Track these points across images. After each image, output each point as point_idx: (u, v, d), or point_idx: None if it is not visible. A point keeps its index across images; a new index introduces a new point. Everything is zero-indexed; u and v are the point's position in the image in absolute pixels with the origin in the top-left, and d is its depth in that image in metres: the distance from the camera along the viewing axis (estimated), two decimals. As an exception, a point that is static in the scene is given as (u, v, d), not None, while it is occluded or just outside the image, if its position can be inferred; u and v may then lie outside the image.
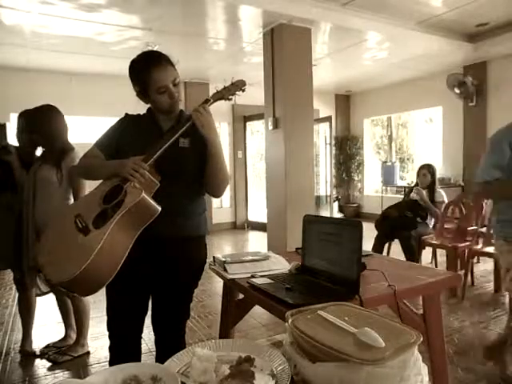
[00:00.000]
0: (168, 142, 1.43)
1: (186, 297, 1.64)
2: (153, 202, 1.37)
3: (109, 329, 1.62)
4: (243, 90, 1.57)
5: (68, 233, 1.39)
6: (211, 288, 4.01)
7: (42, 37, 4.72)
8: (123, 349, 1.62)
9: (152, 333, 1.65)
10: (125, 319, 1.60)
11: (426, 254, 4.30)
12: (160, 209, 1.38)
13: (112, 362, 1.62)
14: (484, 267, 4.41)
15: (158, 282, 1.58)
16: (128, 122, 1.62)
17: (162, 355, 1.37)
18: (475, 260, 4.36)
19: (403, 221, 3.94)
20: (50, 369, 2.45)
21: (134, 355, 1.62)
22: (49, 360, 2.53)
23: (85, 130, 5.80)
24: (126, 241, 1.32)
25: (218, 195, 1.65)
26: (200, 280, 1.66)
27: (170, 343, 1.59)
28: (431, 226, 4.13)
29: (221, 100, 1.58)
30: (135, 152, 1.44)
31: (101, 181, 1.51)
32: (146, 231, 1.39)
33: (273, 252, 1.84)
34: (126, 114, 1.65)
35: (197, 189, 1.60)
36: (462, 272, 3.55)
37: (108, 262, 1.29)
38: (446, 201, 4.10)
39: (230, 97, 1.57)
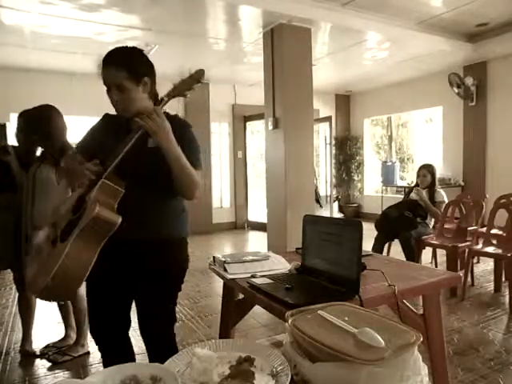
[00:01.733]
0: (122, 152, 1.37)
1: (166, 300, 1.59)
2: (109, 216, 1.32)
3: (91, 332, 1.63)
4: (201, 82, 1.45)
5: (46, 242, 1.45)
6: (211, 288, 4.01)
7: (42, 37, 4.71)
8: (110, 351, 1.62)
9: None
10: (105, 324, 1.59)
11: (426, 254, 4.30)
12: (119, 220, 1.33)
13: (105, 364, 1.63)
14: (484, 267, 4.41)
15: (136, 286, 1.55)
16: (104, 122, 1.61)
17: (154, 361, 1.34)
18: (475, 260, 4.36)
19: (403, 221, 3.93)
20: (50, 369, 2.45)
21: (124, 356, 1.58)
22: (49, 360, 2.53)
23: (84, 130, 5.81)
24: (88, 254, 1.32)
25: (187, 198, 1.56)
26: (182, 283, 1.62)
27: (160, 350, 1.55)
28: (431, 226, 4.13)
29: (178, 97, 1.46)
30: (103, 154, 1.41)
31: None
32: (120, 235, 1.36)
33: (273, 252, 1.84)
34: (105, 115, 1.62)
35: (169, 189, 1.50)
36: (461, 272, 3.55)
37: (72, 275, 1.31)
38: (446, 201, 4.10)
39: (187, 92, 1.45)
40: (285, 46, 4.38)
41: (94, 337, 1.63)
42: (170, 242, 1.56)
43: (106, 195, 1.35)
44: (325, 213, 7.60)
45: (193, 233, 7.71)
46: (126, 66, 1.42)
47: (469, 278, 3.72)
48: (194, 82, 1.44)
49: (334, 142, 8.41)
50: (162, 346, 1.57)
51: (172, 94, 1.44)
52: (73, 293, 1.36)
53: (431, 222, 4.12)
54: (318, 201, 7.49)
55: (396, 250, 4.17)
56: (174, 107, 7.96)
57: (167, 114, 1.52)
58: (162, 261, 1.53)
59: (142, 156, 1.43)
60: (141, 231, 1.48)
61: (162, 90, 1.51)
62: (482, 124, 6.43)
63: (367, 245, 2.97)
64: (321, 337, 0.78)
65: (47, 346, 2.66)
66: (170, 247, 1.56)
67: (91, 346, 2.67)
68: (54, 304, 2.72)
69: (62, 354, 2.55)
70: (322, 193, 8.04)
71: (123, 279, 1.55)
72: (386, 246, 4.18)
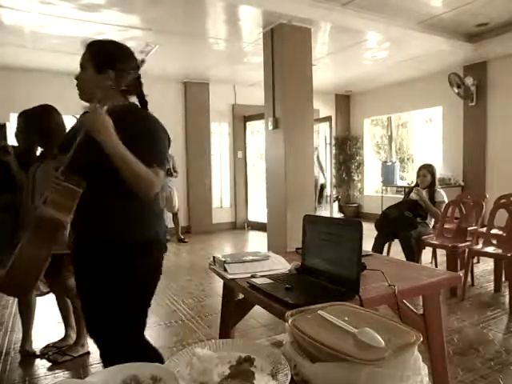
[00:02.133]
0: (72, 150, 1.35)
1: (116, 309, 1.46)
2: (53, 214, 1.31)
3: (87, 331, 1.63)
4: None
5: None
6: (211, 288, 4.01)
7: (42, 37, 4.72)
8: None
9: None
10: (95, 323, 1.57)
11: (426, 254, 4.30)
12: (67, 219, 1.31)
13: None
14: (484, 267, 4.41)
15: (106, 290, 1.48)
16: (78, 121, 1.61)
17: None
18: (475, 260, 4.36)
19: (403, 221, 3.93)
20: (50, 369, 2.45)
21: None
22: (49, 360, 2.53)
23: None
24: (38, 253, 1.34)
25: (142, 197, 1.42)
26: (142, 293, 1.52)
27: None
28: (431, 226, 4.13)
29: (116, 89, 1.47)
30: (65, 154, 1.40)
31: None
32: (78, 237, 1.40)
33: (273, 252, 1.84)
34: (84, 112, 1.58)
35: (127, 188, 1.38)
36: (461, 272, 3.55)
37: (23, 274, 1.35)
38: (446, 201, 4.10)
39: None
40: (285, 46, 4.38)
41: (90, 335, 1.63)
42: (127, 246, 1.44)
43: (61, 195, 1.33)
44: (325, 213, 7.61)
45: (193, 233, 7.70)
46: (97, 53, 1.49)
47: (469, 278, 3.71)
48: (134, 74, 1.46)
49: (334, 142, 8.42)
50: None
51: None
52: (26, 290, 1.48)
53: (431, 222, 4.12)
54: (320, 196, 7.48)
55: (396, 250, 4.17)
56: (174, 107, 7.93)
57: (127, 107, 1.50)
58: (119, 266, 1.44)
59: (100, 154, 1.34)
60: (94, 233, 1.44)
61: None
62: (482, 124, 6.42)
63: (367, 245, 2.97)
64: (321, 337, 0.78)
65: (47, 346, 2.66)
66: (132, 251, 1.44)
67: (91, 345, 2.67)
68: (54, 304, 2.72)
69: (62, 354, 2.55)
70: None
71: (90, 279, 1.49)
72: (386, 245, 4.18)
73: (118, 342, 1.49)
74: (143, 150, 1.37)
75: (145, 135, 1.42)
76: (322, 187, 7.84)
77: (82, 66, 1.52)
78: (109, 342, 1.52)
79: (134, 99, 1.57)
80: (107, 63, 1.48)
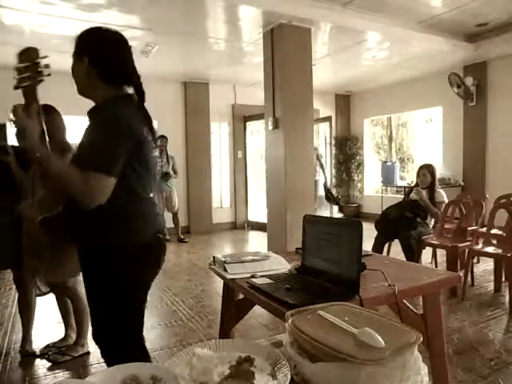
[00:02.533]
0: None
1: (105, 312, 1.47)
2: (29, 213, 1.42)
3: None
4: (37, 64, 1.34)
5: None
6: (211, 288, 4.01)
7: (42, 37, 4.72)
8: None
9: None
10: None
11: (426, 254, 4.30)
12: (38, 217, 1.41)
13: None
14: (484, 267, 4.41)
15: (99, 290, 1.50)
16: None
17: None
18: (475, 260, 4.36)
19: (403, 221, 3.93)
20: (50, 369, 2.45)
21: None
22: (49, 360, 2.53)
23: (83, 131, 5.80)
24: (30, 243, 1.54)
25: (83, 204, 1.32)
26: (120, 301, 1.46)
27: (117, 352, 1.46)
28: (431, 226, 4.13)
29: (34, 86, 1.40)
30: None
31: None
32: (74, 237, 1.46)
33: (273, 252, 1.84)
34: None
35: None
36: (462, 272, 3.55)
37: (28, 255, 1.83)
38: (446, 201, 4.10)
39: (31, 79, 1.38)
40: (285, 46, 4.38)
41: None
42: (98, 250, 1.41)
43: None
44: (325, 213, 7.60)
45: (193, 233, 7.68)
46: (77, 42, 1.44)
47: (469, 278, 3.71)
48: (31, 64, 1.35)
49: (334, 142, 8.42)
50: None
51: (29, 90, 1.43)
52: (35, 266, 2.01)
53: (431, 222, 4.12)
54: (329, 198, 7.40)
55: (396, 250, 4.17)
56: (174, 107, 7.90)
57: (106, 102, 1.42)
58: (92, 269, 1.45)
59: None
60: (82, 235, 1.45)
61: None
62: (482, 124, 6.42)
63: (367, 245, 2.97)
64: (321, 337, 0.78)
65: (47, 346, 2.66)
66: (96, 256, 1.42)
67: (91, 345, 2.67)
68: (54, 304, 2.72)
69: (62, 354, 2.55)
70: (321, 192, 8.04)
71: (92, 281, 1.52)
72: (386, 245, 4.18)
73: (109, 344, 1.50)
74: (87, 154, 1.33)
75: (95, 137, 1.34)
76: (327, 187, 7.76)
77: (72, 57, 1.47)
78: (103, 341, 1.53)
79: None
80: (83, 51, 1.41)
